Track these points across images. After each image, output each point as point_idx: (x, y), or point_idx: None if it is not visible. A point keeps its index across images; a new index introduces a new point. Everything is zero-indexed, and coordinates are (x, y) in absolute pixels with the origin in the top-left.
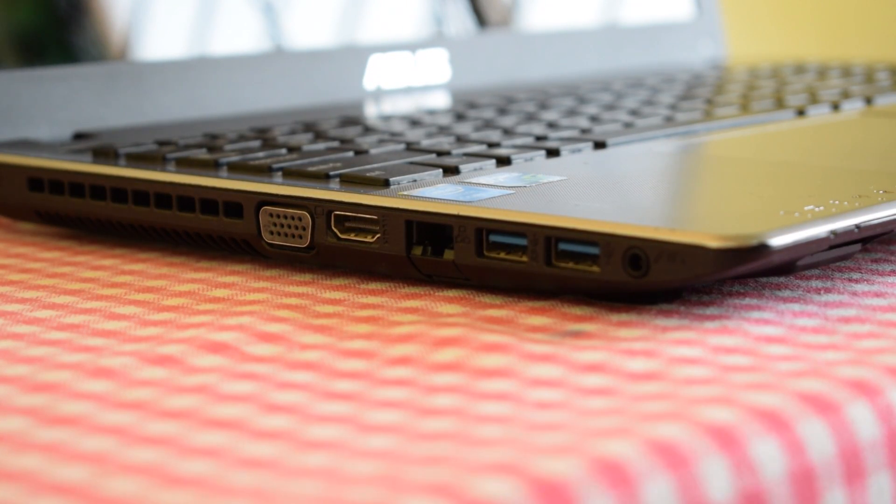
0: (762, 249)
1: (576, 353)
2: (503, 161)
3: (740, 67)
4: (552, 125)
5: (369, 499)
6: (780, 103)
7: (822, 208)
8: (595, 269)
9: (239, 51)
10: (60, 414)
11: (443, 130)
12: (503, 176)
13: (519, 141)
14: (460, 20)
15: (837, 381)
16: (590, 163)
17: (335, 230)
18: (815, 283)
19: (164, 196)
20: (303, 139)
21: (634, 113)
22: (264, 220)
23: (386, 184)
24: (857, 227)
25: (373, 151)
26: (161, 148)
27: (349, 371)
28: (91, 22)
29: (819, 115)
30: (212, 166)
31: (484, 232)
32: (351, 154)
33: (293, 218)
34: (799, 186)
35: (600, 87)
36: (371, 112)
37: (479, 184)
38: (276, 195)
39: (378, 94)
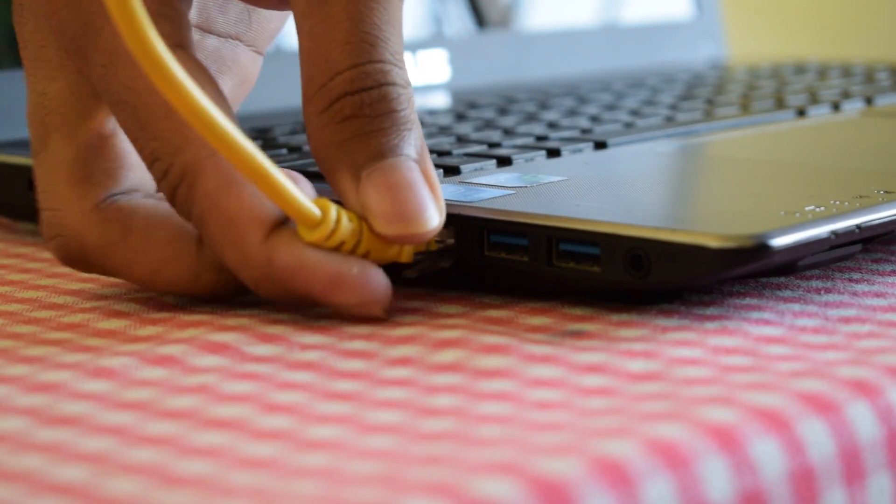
0: (763, 250)
1: (576, 353)
2: (504, 161)
3: (740, 67)
4: (552, 125)
5: (369, 499)
6: (780, 103)
7: (822, 208)
8: (596, 269)
9: None
10: (60, 414)
11: (443, 130)
12: (504, 176)
13: (519, 141)
14: (460, 20)
15: (837, 381)
16: (590, 163)
17: None
18: (815, 284)
19: None
20: (303, 139)
21: (635, 113)
22: None
23: None
24: (858, 227)
25: None
26: None
27: (349, 371)
28: None
29: (819, 115)
30: None
31: (484, 232)
32: None
33: None
34: (799, 186)
35: (600, 87)
36: None
37: (479, 184)
38: None
39: None
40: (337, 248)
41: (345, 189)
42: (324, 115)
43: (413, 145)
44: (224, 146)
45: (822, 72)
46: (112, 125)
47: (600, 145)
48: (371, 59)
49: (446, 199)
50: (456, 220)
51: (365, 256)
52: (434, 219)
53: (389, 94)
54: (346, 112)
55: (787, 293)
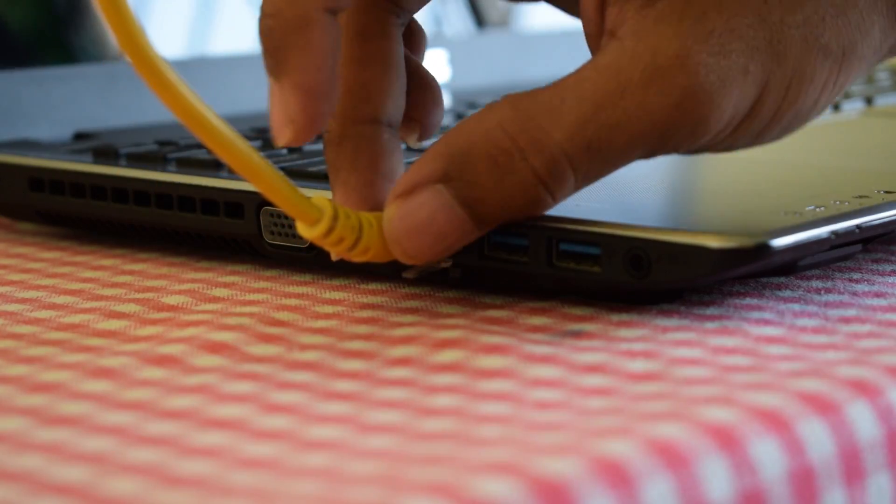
0: (763, 250)
1: (576, 353)
2: None
3: None
4: None
5: (369, 499)
6: None
7: (823, 209)
8: (596, 269)
9: (239, 51)
10: (60, 414)
11: (443, 131)
12: None
13: None
14: (460, 20)
15: (837, 381)
16: None
17: None
18: (815, 284)
19: (164, 196)
20: None
21: None
22: (265, 220)
23: None
24: (859, 227)
25: None
26: (162, 148)
27: (349, 371)
28: (91, 22)
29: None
30: (212, 166)
31: None
32: None
33: None
34: (800, 187)
35: None
36: None
37: None
38: None
39: None
40: (337, 244)
41: (426, 173)
42: (521, 136)
43: (488, 220)
44: (218, 145)
45: None
46: None
47: None
48: (598, 174)
49: None
50: None
51: (365, 253)
52: (416, 267)
53: (553, 189)
54: (517, 157)
55: (787, 293)
